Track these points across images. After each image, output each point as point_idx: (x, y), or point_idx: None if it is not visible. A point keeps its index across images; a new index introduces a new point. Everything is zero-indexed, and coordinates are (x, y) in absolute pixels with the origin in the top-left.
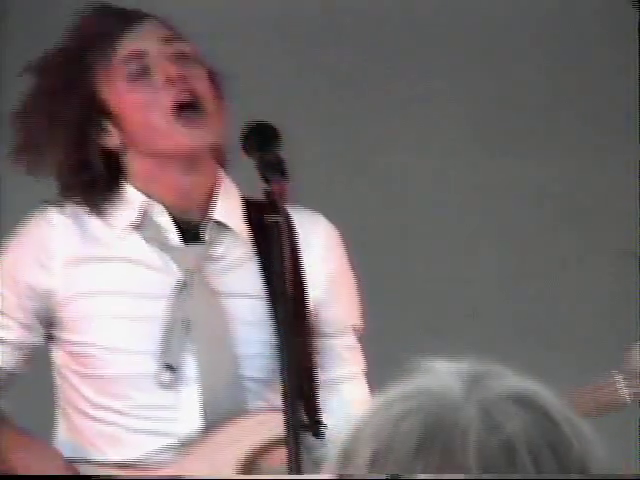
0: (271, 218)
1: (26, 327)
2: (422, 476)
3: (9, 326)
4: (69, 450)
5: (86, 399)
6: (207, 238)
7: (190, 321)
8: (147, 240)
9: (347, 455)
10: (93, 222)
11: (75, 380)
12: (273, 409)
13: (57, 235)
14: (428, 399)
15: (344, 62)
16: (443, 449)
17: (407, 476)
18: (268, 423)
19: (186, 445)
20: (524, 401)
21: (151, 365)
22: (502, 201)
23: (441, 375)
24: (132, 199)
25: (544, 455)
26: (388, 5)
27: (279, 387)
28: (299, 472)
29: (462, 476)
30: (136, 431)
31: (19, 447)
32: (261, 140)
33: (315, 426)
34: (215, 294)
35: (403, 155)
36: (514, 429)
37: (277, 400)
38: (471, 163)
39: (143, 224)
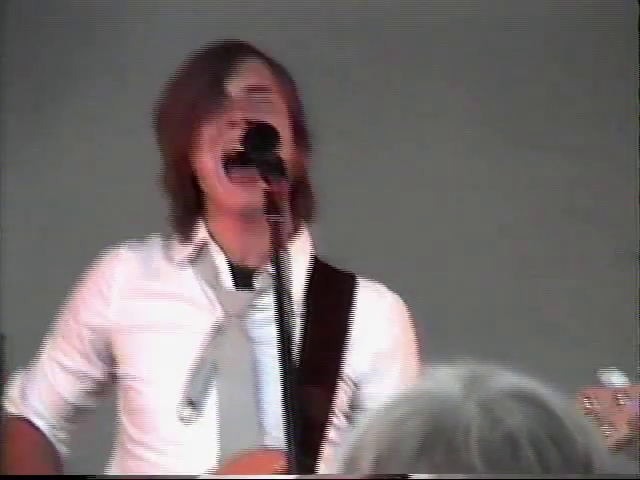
0: (272, 218)
1: (85, 356)
2: (422, 476)
3: (70, 354)
4: None
5: (129, 435)
6: (257, 287)
7: (219, 362)
8: (200, 276)
9: (351, 461)
10: (158, 255)
11: (123, 416)
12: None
13: (121, 267)
14: (428, 401)
15: (344, 62)
16: (447, 448)
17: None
18: (276, 461)
19: None
20: (523, 397)
21: (177, 399)
22: (502, 201)
23: (441, 378)
24: (196, 234)
25: (547, 448)
26: (388, 5)
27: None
28: (299, 472)
29: (462, 476)
30: (155, 464)
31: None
32: (260, 140)
33: (306, 463)
34: (249, 341)
35: (403, 155)
36: (515, 423)
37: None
38: (471, 163)
39: (199, 260)
